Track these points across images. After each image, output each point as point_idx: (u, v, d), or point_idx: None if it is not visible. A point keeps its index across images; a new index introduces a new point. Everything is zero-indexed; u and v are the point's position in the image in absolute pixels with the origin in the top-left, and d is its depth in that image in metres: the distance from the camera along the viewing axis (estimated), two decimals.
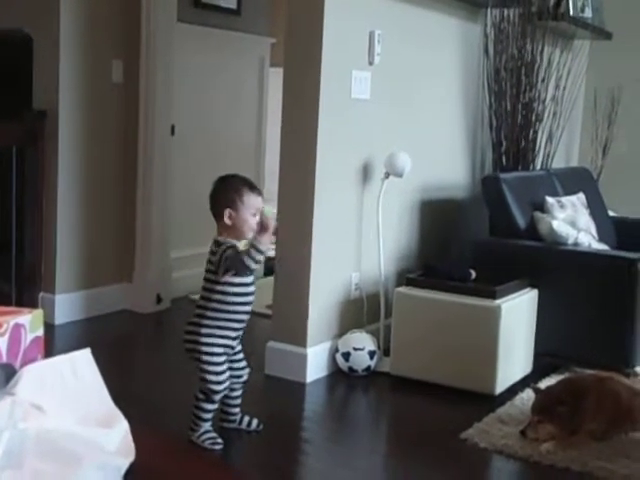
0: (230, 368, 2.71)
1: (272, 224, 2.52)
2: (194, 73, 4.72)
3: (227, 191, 2.61)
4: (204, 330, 2.62)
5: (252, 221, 2.59)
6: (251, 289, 2.65)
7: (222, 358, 2.65)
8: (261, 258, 2.55)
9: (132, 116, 4.25)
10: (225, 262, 2.55)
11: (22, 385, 0.92)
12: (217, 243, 2.60)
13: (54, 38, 3.90)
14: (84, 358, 1.00)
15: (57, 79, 3.91)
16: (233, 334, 2.66)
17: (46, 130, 3.95)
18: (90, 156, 4.11)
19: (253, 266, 2.53)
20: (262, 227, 2.52)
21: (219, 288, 2.60)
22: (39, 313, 1.01)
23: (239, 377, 2.76)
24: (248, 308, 2.66)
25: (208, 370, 2.62)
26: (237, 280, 2.59)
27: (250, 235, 2.60)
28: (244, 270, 2.55)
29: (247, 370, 2.79)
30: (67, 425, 0.92)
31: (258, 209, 2.60)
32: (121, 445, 0.95)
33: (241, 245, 2.59)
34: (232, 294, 2.61)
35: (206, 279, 2.64)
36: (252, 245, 2.51)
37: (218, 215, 2.62)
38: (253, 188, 2.63)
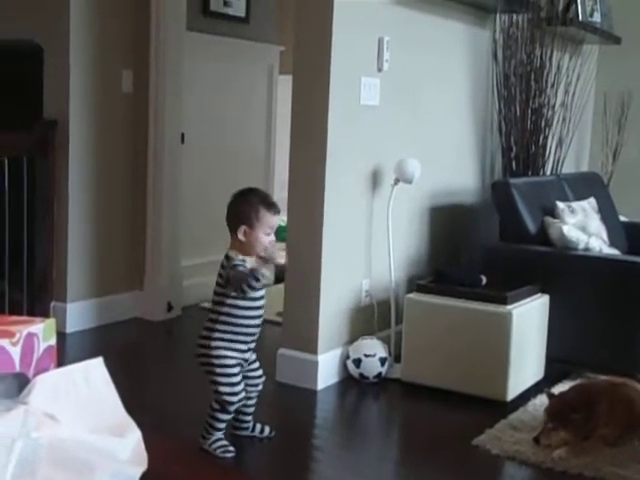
0: (247, 377, 2.71)
1: (275, 259, 2.52)
2: (203, 81, 4.74)
3: (244, 207, 2.60)
4: (214, 343, 2.62)
5: (265, 240, 2.59)
6: (259, 303, 2.65)
7: (235, 369, 2.65)
8: (257, 285, 2.55)
9: (142, 125, 4.26)
10: (231, 282, 2.56)
11: (35, 394, 0.92)
12: (227, 258, 2.60)
13: (64, 48, 3.92)
14: (97, 367, 1.00)
15: (67, 89, 3.94)
16: (244, 347, 2.65)
17: (56, 140, 3.97)
18: (100, 165, 4.13)
19: (248, 291, 2.54)
20: (266, 260, 2.53)
21: (228, 302, 2.61)
22: (51, 322, 1.01)
23: (256, 386, 2.76)
24: (258, 321, 2.66)
25: (222, 382, 2.62)
26: (252, 294, 2.60)
27: (260, 253, 2.60)
28: (239, 293, 2.56)
29: (263, 379, 2.79)
30: (80, 434, 0.92)
31: (273, 228, 2.61)
32: (134, 454, 0.95)
33: (250, 262, 2.59)
34: (241, 308, 2.61)
35: (215, 292, 2.65)
36: (251, 271, 2.52)
37: (232, 229, 2.62)
38: (270, 206, 2.61)
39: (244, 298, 2.59)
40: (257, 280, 2.52)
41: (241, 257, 2.59)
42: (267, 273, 2.55)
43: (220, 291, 2.62)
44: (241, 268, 2.55)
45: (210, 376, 2.64)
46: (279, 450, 2.81)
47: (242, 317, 2.61)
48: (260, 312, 2.66)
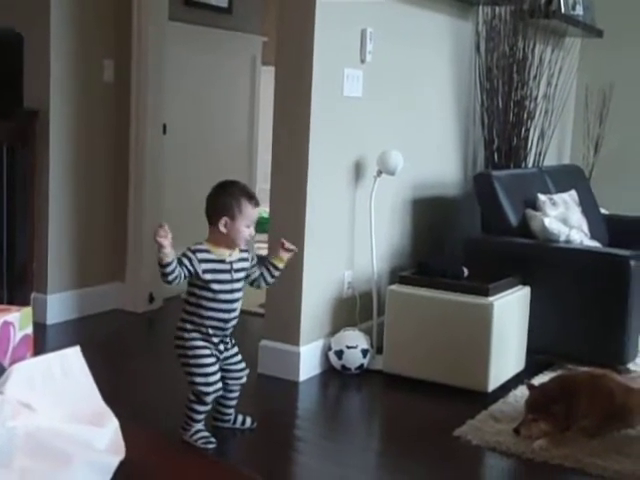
0: (228, 370, 2.70)
1: (162, 239, 2.48)
2: (185, 72, 4.71)
3: (226, 199, 2.58)
4: (186, 334, 2.62)
5: (246, 232, 2.59)
6: (227, 297, 2.61)
7: (210, 359, 2.63)
8: (165, 279, 2.53)
9: (123, 115, 4.24)
10: None
11: (11, 383, 0.91)
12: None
13: (45, 37, 3.88)
14: (74, 356, 0.99)
15: (48, 78, 3.90)
16: (215, 339, 2.64)
17: (37, 129, 3.94)
18: (81, 155, 4.10)
19: (164, 280, 2.53)
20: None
21: (196, 293, 2.61)
22: (28, 311, 1.01)
23: (238, 379, 2.75)
24: (226, 316, 2.63)
25: (196, 372, 2.61)
26: (209, 286, 2.58)
27: (242, 246, 2.60)
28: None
29: (246, 372, 2.77)
30: (56, 423, 0.91)
31: (253, 221, 2.61)
32: (111, 443, 0.95)
33: (228, 255, 2.59)
34: (207, 299, 2.60)
35: (188, 283, 2.65)
36: (163, 267, 2.50)
37: (213, 221, 2.60)
38: (252, 198, 2.60)
39: (210, 290, 2.58)
40: (163, 273, 2.50)
41: (205, 247, 2.58)
42: (179, 275, 2.51)
43: (191, 281, 2.62)
44: (182, 258, 2.53)
45: (184, 367, 2.63)
46: (261, 441, 2.81)
47: (208, 309, 2.60)
48: (229, 306, 2.62)
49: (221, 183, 2.67)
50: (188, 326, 2.62)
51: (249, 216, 2.59)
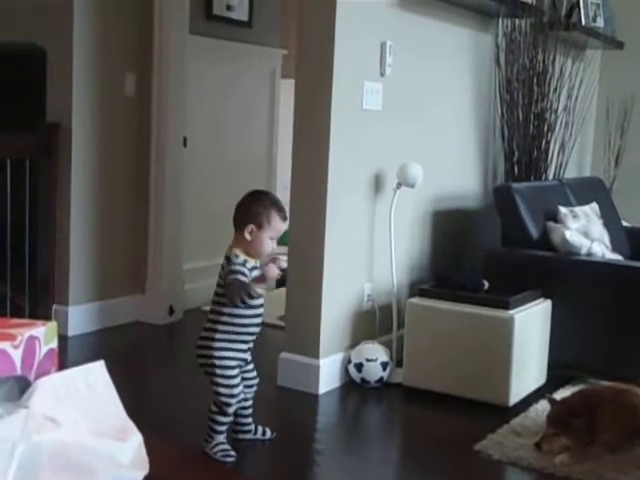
0: (244, 378, 2.71)
1: (272, 276, 2.51)
2: (206, 85, 4.74)
3: (256, 207, 2.60)
4: (216, 344, 2.62)
5: (269, 245, 2.60)
6: (259, 302, 2.65)
7: (235, 371, 2.65)
8: (250, 302, 2.56)
9: (144, 128, 4.27)
10: (226, 289, 2.57)
11: (36, 398, 0.92)
12: (227, 259, 2.59)
13: (68, 52, 3.93)
14: (98, 370, 1.00)
15: (70, 92, 3.94)
16: (244, 347, 2.66)
17: (59, 143, 3.98)
18: (103, 168, 4.14)
19: (239, 305, 2.56)
20: (262, 277, 2.52)
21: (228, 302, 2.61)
22: (53, 325, 1.01)
23: (251, 387, 2.77)
24: (258, 320, 2.67)
25: (222, 384, 2.63)
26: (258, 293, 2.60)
27: (264, 257, 2.60)
28: (230, 303, 2.57)
29: (257, 380, 2.79)
30: (81, 438, 0.92)
31: (279, 234, 2.62)
32: (135, 458, 0.95)
33: (251, 263, 2.59)
34: (241, 308, 2.61)
35: (216, 293, 2.65)
36: (246, 287, 2.51)
37: (239, 227, 2.61)
38: (281, 211, 2.62)
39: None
40: (251, 297, 2.54)
41: (242, 258, 2.58)
42: (261, 291, 2.55)
43: (221, 292, 2.62)
44: (240, 277, 2.53)
45: (211, 377, 2.64)
46: (280, 455, 2.80)
47: (243, 316, 2.61)
48: (260, 311, 2.66)
49: (253, 191, 2.70)
50: (219, 335, 2.62)
51: (276, 228, 2.60)
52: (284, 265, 2.68)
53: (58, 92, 3.98)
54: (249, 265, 2.58)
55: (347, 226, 3.44)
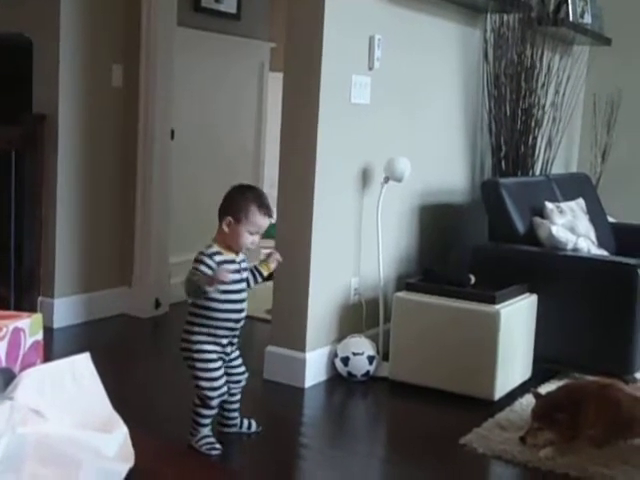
0: (229, 373, 2.70)
1: (221, 279, 2.49)
2: (194, 77, 4.73)
3: (237, 199, 2.59)
4: (194, 337, 2.62)
5: (247, 239, 2.59)
6: (238, 296, 2.63)
7: (217, 364, 2.64)
8: (199, 300, 2.57)
9: (132, 120, 4.25)
10: (185, 280, 2.57)
11: (21, 390, 0.92)
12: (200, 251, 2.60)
13: (54, 42, 3.90)
14: (83, 363, 1.00)
15: (57, 83, 3.92)
16: (224, 340, 2.64)
17: (45, 134, 3.95)
18: (89, 160, 4.11)
19: (188, 299, 2.58)
20: (211, 278, 2.50)
21: (207, 295, 2.60)
22: (38, 317, 1.01)
23: (238, 382, 2.75)
24: (237, 316, 2.64)
25: (202, 377, 2.62)
26: (222, 287, 2.58)
27: (241, 251, 2.60)
28: (185, 294, 2.58)
29: (246, 375, 2.78)
30: (66, 430, 0.91)
31: (260, 229, 2.61)
32: (120, 450, 0.95)
33: (226, 257, 2.59)
34: (217, 301, 2.60)
35: None
36: (197, 282, 2.51)
37: (220, 218, 2.61)
38: (262, 207, 2.59)
39: (222, 291, 2.58)
40: (201, 293, 2.53)
41: (215, 249, 2.58)
42: (212, 290, 2.53)
43: None
44: (201, 267, 2.53)
45: (191, 370, 2.64)
46: (266, 448, 2.80)
47: (218, 310, 2.60)
48: (239, 306, 2.64)
49: (240, 185, 2.69)
50: (196, 329, 2.62)
51: (255, 223, 2.58)
52: (273, 267, 2.72)
53: (44, 83, 3.95)
54: (219, 258, 2.57)
55: (334, 220, 3.44)
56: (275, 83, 4.61)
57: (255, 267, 2.74)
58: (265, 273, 2.76)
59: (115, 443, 0.94)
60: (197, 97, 4.78)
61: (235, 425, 2.81)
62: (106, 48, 4.13)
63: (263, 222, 2.61)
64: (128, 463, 0.95)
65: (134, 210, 4.30)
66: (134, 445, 0.98)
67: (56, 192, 3.98)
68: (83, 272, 4.16)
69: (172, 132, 4.39)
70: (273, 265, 2.75)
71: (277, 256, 2.74)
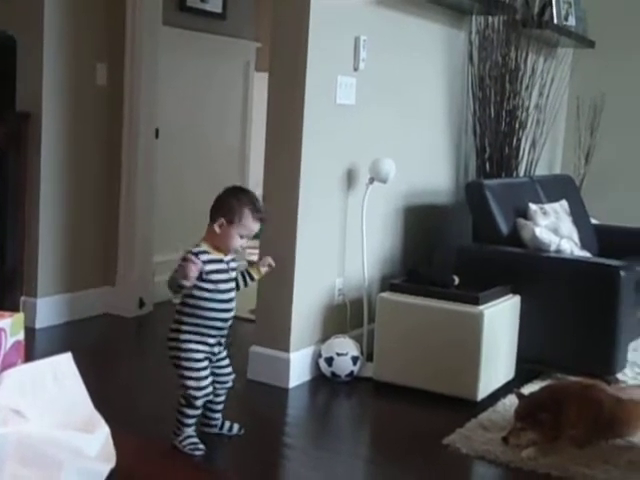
0: (215, 374, 2.70)
1: (183, 273, 2.48)
2: (179, 77, 4.71)
3: (232, 201, 2.59)
4: (182, 336, 2.61)
5: (237, 242, 2.59)
6: (226, 296, 2.63)
7: (203, 364, 2.63)
8: (178, 292, 2.58)
9: (116, 119, 4.23)
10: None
11: (2, 390, 0.91)
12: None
13: (38, 40, 3.88)
14: (65, 362, 0.99)
15: (41, 81, 3.89)
16: (212, 340, 2.64)
17: (29, 132, 3.93)
18: (73, 159, 4.09)
19: (170, 292, 2.58)
20: (183, 271, 2.49)
21: (195, 294, 2.60)
22: (20, 317, 1.00)
23: (224, 383, 2.75)
24: (225, 315, 2.64)
25: (188, 376, 2.61)
26: (210, 287, 2.58)
27: (230, 253, 2.61)
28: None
29: (232, 376, 2.77)
30: (47, 430, 0.91)
31: (250, 233, 2.62)
32: (102, 450, 0.95)
33: (214, 256, 2.58)
34: (207, 300, 2.60)
35: None
36: (176, 276, 2.51)
37: (212, 219, 2.61)
38: (256, 211, 2.60)
39: (210, 291, 2.58)
40: (179, 288, 2.52)
41: (203, 248, 2.58)
42: (188, 284, 2.51)
43: None
44: (178, 269, 2.53)
45: (178, 370, 2.63)
46: (250, 448, 2.80)
47: (208, 309, 2.60)
48: (228, 306, 2.64)
49: (235, 187, 2.70)
50: (185, 327, 2.61)
51: (247, 227, 2.59)
52: (264, 271, 2.74)
53: (28, 81, 3.93)
54: (205, 257, 2.56)
55: (319, 220, 3.44)
56: (261, 83, 4.60)
57: (246, 270, 2.74)
58: (256, 277, 2.77)
59: (97, 443, 0.94)
60: (182, 96, 4.76)
61: (215, 426, 2.80)
62: (90, 46, 4.11)
63: (255, 226, 2.62)
64: (110, 463, 0.94)
65: (118, 209, 4.28)
66: (116, 445, 0.98)
67: (39, 190, 3.96)
68: (66, 271, 4.14)
69: (157, 131, 4.38)
70: (264, 269, 2.76)
71: (270, 261, 2.75)
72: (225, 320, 2.65)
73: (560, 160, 5.63)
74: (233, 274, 2.66)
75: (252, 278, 2.76)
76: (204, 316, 2.60)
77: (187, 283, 2.51)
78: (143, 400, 3.18)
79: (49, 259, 4.04)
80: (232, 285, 2.66)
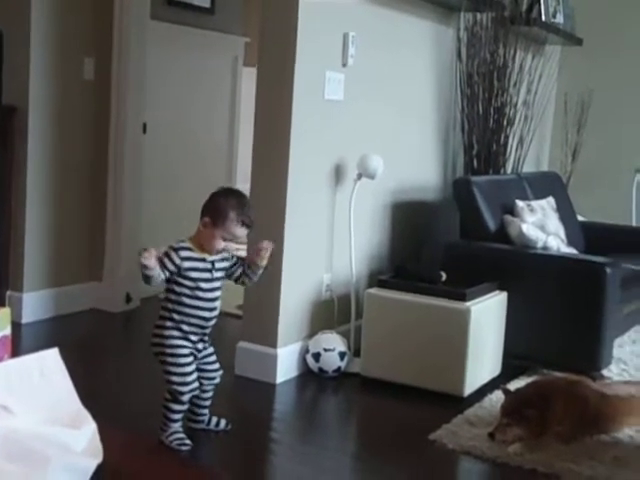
0: (202, 369, 2.69)
1: (142, 263, 2.47)
2: (167, 71, 4.70)
3: (220, 202, 2.57)
4: (166, 332, 2.61)
5: (220, 244, 2.57)
6: (208, 295, 2.61)
7: (188, 359, 2.63)
8: (147, 282, 2.55)
9: (103, 114, 4.21)
10: None
11: None
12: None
13: (25, 33, 3.85)
14: (52, 358, 0.99)
15: (27, 75, 3.87)
16: (194, 337, 2.63)
17: (15, 126, 3.91)
18: (60, 153, 4.07)
19: (145, 282, 2.55)
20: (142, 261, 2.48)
21: (177, 290, 2.59)
22: (6, 312, 1.00)
23: (212, 379, 2.74)
24: (208, 314, 2.62)
25: (173, 372, 2.61)
26: (190, 284, 2.58)
27: (212, 253, 2.59)
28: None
29: (219, 372, 2.76)
30: (34, 425, 0.91)
31: (235, 238, 2.58)
32: (89, 446, 0.94)
33: (195, 254, 2.57)
34: (187, 296, 2.59)
35: (167, 280, 2.63)
36: (146, 268, 2.50)
37: (201, 216, 2.60)
38: (241, 216, 2.55)
39: (190, 288, 2.57)
40: (146, 279, 2.52)
41: (187, 244, 2.57)
42: (150, 274, 2.50)
43: (171, 279, 2.60)
44: (163, 257, 2.53)
45: (163, 365, 2.63)
46: (237, 443, 2.80)
47: (190, 307, 2.59)
48: (210, 305, 2.62)
49: (228, 188, 2.68)
50: (167, 323, 2.61)
51: (230, 231, 2.55)
52: (265, 255, 2.67)
53: (15, 75, 3.91)
54: (185, 253, 2.55)
55: (307, 216, 3.44)
56: (249, 78, 4.59)
57: (247, 265, 2.70)
58: (263, 263, 2.69)
59: (83, 438, 0.94)
60: (170, 91, 4.75)
61: (202, 422, 2.80)
62: (77, 40, 4.09)
63: (239, 232, 2.58)
64: (97, 458, 0.94)
65: (105, 204, 4.27)
66: (103, 440, 0.97)
67: (26, 185, 3.94)
68: (53, 266, 4.12)
69: (144, 126, 4.36)
70: (261, 259, 2.67)
71: (264, 244, 2.66)
72: (207, 319, 2.63)
73: (547, 157, 5.65)
74: (217, 274, 2.63)
75: (258, 267, 2.69)
76: (185, 313, 2.60)
77: (148, 272, 2.49)
78: (130, 395, 3.18)
79: (36, 254, 4.03)
80: (216, 285, 2.63)
